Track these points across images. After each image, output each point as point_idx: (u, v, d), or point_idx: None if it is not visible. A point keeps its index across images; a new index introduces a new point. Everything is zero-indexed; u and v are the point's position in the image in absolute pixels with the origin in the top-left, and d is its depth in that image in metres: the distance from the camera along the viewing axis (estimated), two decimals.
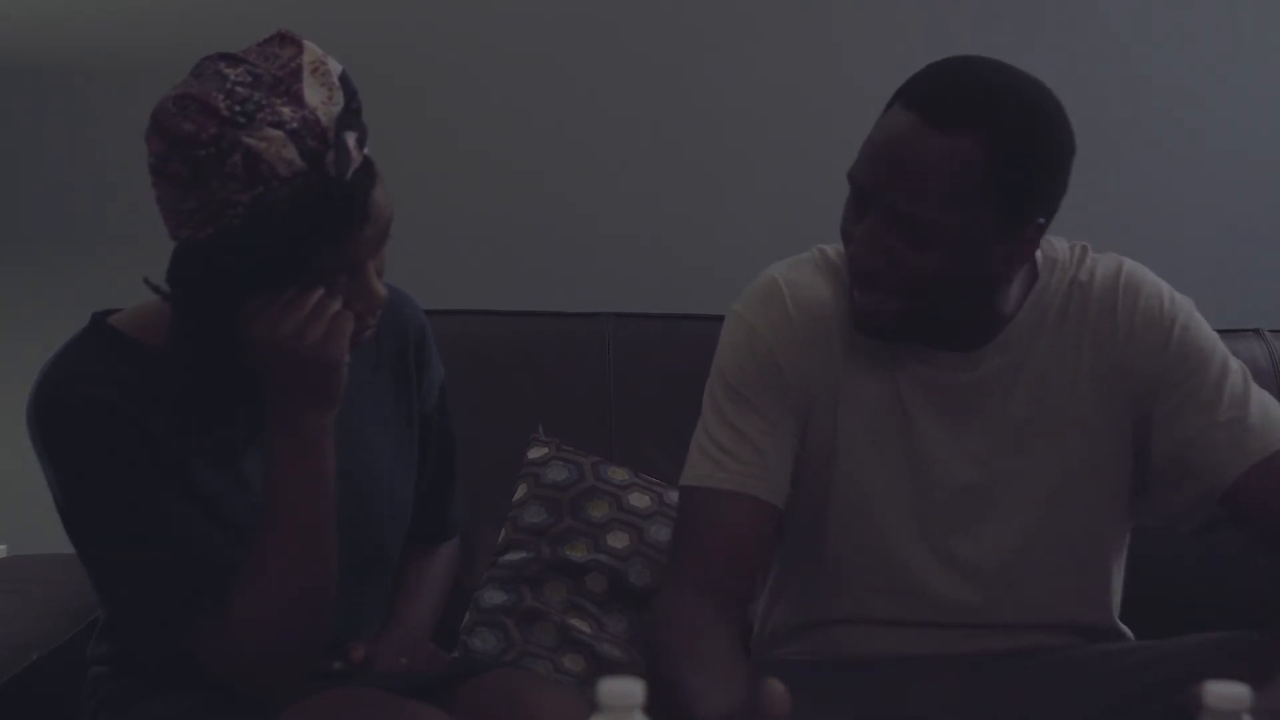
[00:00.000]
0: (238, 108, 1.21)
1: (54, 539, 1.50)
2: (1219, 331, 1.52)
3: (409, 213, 1.38)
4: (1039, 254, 1.49)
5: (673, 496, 1.76)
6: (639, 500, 1.88)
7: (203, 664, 1.34)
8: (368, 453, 1.48)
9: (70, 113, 2.20)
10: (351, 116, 1.28)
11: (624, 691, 0.89)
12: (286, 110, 1.23)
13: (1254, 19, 2.31)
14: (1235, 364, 1.48)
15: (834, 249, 1.53)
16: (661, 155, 2.27)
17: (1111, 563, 1.54)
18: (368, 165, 1.30)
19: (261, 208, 1.23)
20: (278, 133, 1.21)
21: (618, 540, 1.85)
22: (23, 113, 2.19)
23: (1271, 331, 2.07)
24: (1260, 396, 1.46)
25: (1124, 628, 1.57)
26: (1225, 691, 0.90)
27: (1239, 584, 1.82)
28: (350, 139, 1.26)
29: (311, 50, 1.27)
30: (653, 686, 1.31)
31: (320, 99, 1.25)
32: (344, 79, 1.28)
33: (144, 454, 1.32)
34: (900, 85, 1.39)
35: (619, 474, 1.90)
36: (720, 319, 1.53)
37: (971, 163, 1.32)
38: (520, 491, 1.90)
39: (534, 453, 1.92)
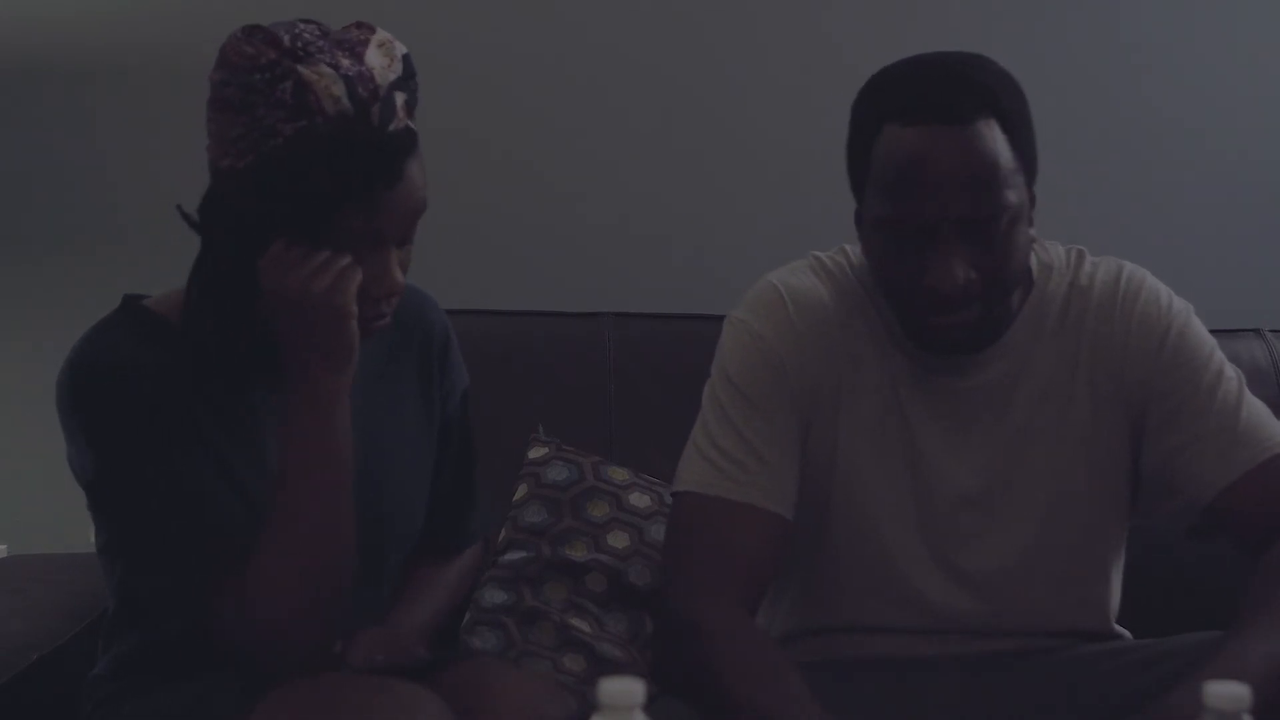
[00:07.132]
0: (299, 44, 1.27)
1: (54, 539, 1.50)
2: (1219, 331, 1.51)
3: None
4: (1034, 259, 1.48)
5: None
6: (639, 500, 1.88)
7: (216, 638, 1.33)
8: (382, 454, 1.47)
9: (70, 113, 2.20)
10: (407, 84, 1.32)
11: (624, 691, 0.89)
12: (345, 61, 1.28)
13: (1254, 18, 2.31)
14: (1231, 371, 1.46)
15: (828, 255, 1.52)
16: (662, 155, 2.27)
17: (1110, 568, 1.54)
18: (410, 132, 1.32)
19: (302, 141, 1.26)
20: (331, 70, 1.26)
21: (618, 540, 1.85)
22: (22, 112, 2.19)
23: (1272, 331, 2.07)
24: (1253, 406, 1.44)
25: (1123, 630, 1.57)
26: (1225, 691, 0.90)
27: (1237, 584, 1.82)
28: (399, 98, 1.30)
29: (382, 32, 1.33)
30: (712, 702, 1.31)
31: (380, 63, 1.30)
32: (407, 59, 1.33)
33: (172, 422, 1.33)
34: (869, 110, 1.37)
35: (619, 474, 1.90)
36: (720, 319, 1.52)
37: (999, 140, 1.34)
38: (520, 491, 1.90)
39: (534, 453, 1.92)
